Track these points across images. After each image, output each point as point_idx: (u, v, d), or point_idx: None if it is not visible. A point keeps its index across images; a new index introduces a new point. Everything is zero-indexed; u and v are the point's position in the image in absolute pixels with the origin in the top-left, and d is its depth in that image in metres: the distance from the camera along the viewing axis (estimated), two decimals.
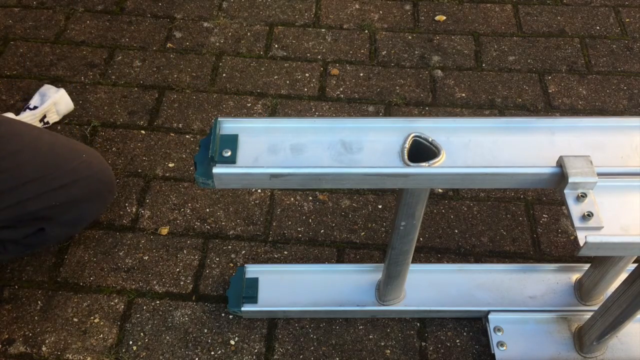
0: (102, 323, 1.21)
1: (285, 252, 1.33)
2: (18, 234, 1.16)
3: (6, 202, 1.09)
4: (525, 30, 1.83)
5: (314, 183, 0.76)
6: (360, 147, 0.78)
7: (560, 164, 0.75)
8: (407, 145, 0.78)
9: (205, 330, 1.21)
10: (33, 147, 1.12)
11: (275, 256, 1.32)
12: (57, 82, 1.63)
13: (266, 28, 1.81)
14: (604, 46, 1.79)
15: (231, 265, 1.30)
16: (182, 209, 1.39)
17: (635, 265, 0.94)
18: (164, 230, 1.35)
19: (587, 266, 1.20)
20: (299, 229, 1.37)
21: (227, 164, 0.77)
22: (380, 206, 1.41)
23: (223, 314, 1.23)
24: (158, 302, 1.25)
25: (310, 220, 1.38)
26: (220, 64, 1.71)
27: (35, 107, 1.51)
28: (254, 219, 1.38)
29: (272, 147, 0.79)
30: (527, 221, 1.39)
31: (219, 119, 0.81)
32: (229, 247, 1.33)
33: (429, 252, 1.34)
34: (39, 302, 1.23)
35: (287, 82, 1.67)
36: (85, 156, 1.19)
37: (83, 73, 1.67)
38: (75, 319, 1.22)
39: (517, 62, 1.74)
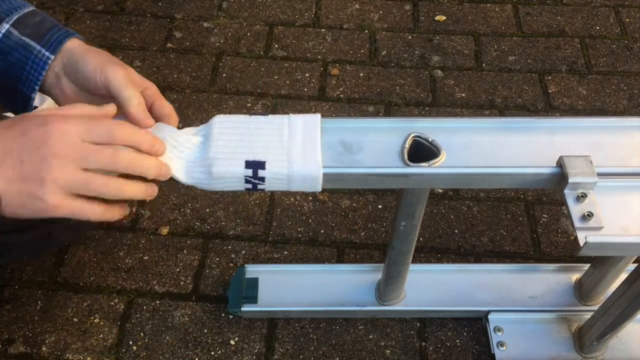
0: (102, 323, 1.21)
1: (285, 252, 1.33)
2: (24, 238, 1.16)
3: None
4: (525, 30, 1.83)
5: None
6: (360, 147, 0.78)
7: (560, 164, 0.75)
8: (407, 146, 0.78)
9: (205, 330, 1.21)
10: None
11: (275, 256, 1.32)
12: None
13: (266, 28, 1.81)
14: (604, 46, 1.79)
15: (231, 265, 1.30)
16: (182, 209, 1.39)
17: (636, 265, 0.94)
18: (164, 230, 1.35)
19: (587, 266, 1.20)
20: (299, 229, 1.37)
21: None
22: (380, 206, 1.41)
23: (223, 314, 1.23)
24: (158, 302, 1.25)
25: (310, 220, 1.38)
26: (220, 64, 1.71)
27: (35, 107, 1.51)
28: (254, 219, 1.38)
29: None
30: (527, 221, 1.39)
31: None
32: (229, 247, 1.33)
33: (429, 252, 1.34)
34: (39, 302, 1.23)
35: (287, 82, 1.67)
36: None
37: None
38: (75, 319, 1.22)
39: (517, 62, 1.74)
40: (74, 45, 0.76)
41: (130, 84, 0.72)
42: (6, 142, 0.63)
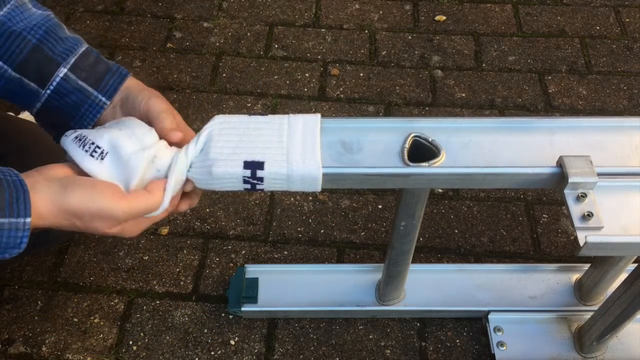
0: (102, 323, 1.21)
1: (285, 252, 1.33)
2: None
3: None
4: (525, 30, 1.83)
5: None
6: (360, 147, 0.78)
7: (560, 164, 0.75)
8: (407, 145, 0.78)
9: (205, 330, 1.21)
10: (37, 145, 1.12)
11: (275, 256, 1.32)
12: None
13: (266, 28, 1.81)
14: (604, 46, 1.79)
15: (231, 265, 1.30)
16: None
17: (635, 265, 0.94)
18: (164, 230, 1.35)
19: (587, 266, 1.20)
20: (299, 229, 1.37)
21: None
22: (380, 206, 1.41)
23: (223, 314, 1.23)
24: (158, 302, 1.25)
25: (310, 220, 1.38)
26: (220, 64, 1.71)
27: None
28: (254, 219, 1.38)
29: None
30: (527, 221, 1.39)
31: None
32: (229, 247, 1.33)
33: (429, 252, 1.34)
34: (39, 302, 1.23)
35: (287, 82, 1.67)
36: None
37: None
38: (75, 319, 1.22)
39: (517, 62, 1.74)
40: (128, 85, 0.83)
41: (167, 110, 0.80)
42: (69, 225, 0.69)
